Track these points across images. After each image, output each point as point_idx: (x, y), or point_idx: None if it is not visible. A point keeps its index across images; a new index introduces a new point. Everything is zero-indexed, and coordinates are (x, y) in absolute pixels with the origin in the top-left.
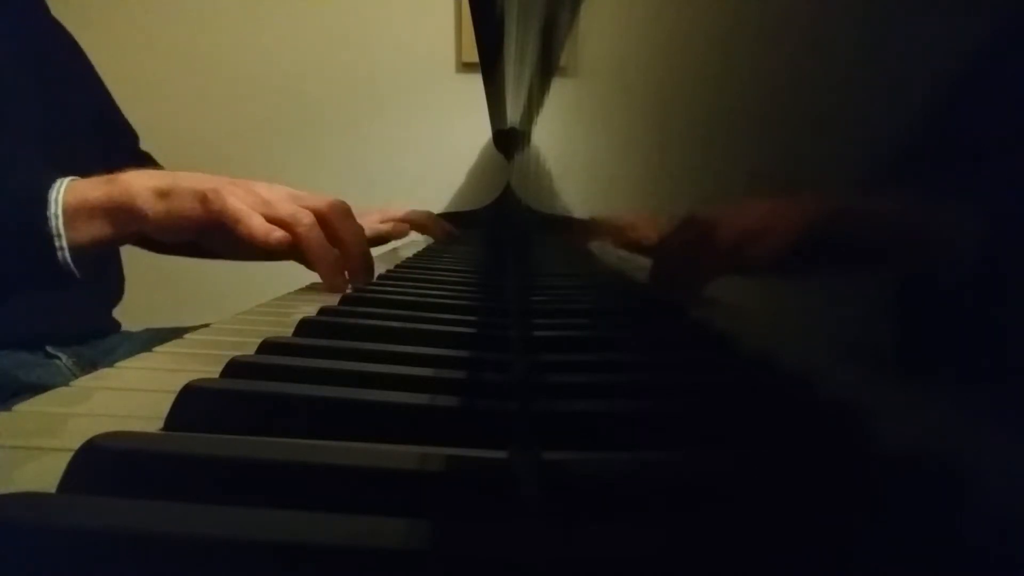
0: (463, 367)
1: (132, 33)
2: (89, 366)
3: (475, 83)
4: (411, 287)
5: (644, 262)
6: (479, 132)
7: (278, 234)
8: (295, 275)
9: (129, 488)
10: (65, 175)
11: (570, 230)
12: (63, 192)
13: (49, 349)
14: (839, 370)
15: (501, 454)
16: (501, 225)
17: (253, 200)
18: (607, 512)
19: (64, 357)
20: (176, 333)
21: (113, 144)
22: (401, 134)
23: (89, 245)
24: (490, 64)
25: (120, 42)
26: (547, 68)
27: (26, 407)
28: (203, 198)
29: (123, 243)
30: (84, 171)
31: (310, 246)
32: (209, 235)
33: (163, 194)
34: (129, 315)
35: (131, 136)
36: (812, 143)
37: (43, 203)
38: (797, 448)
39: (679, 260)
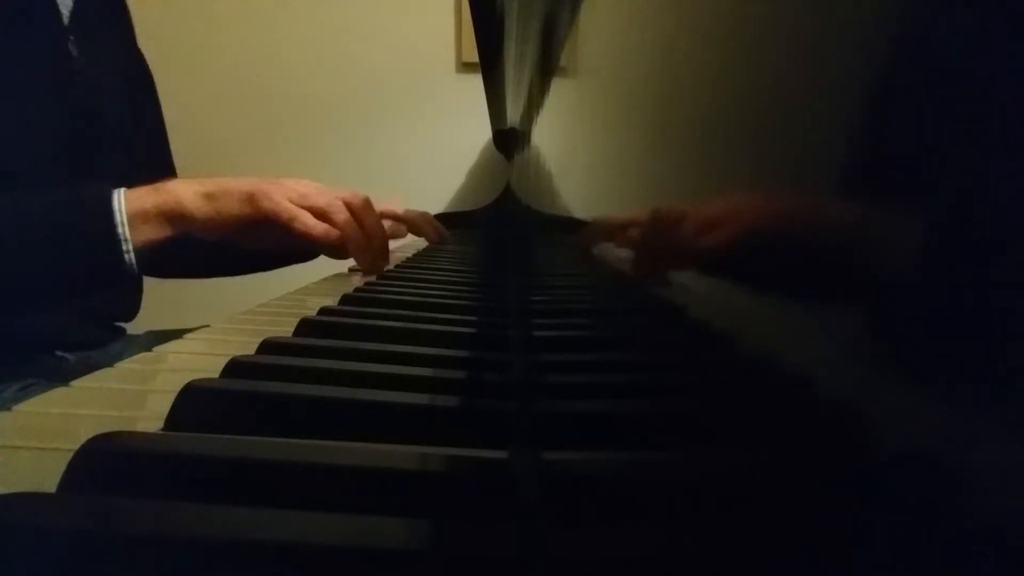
0: (463, 367)
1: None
2: (95, 368)
3: (475, 83)
4: (411, 287)
5: (643, 261)
6: (479, 132)
7: (334, 233)
8: (294, 276)
9: (129, 488)
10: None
11: (570, 230)
12: (122, 200)
13: (58, 353)
14: (839, 370)
15: (501, 454)
16: (501, 225)
17: (293, 196)
18: (607, 512)
19: (72, 359)
20: (178, 335)
21: (152, 176)
22: (401, 134)
23: (146, 246)
24: (490, 64)
25: None
26: (547, 68)
27: (26, 407)
28: (251, 198)
29: (172, 242)
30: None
31: (347, 233)
32: (251, 232)
33: (209, 196)
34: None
35: (172, 173)
36: (812, 142)
37: (110, 210)
38: (797, 448)
39: (678, 259)
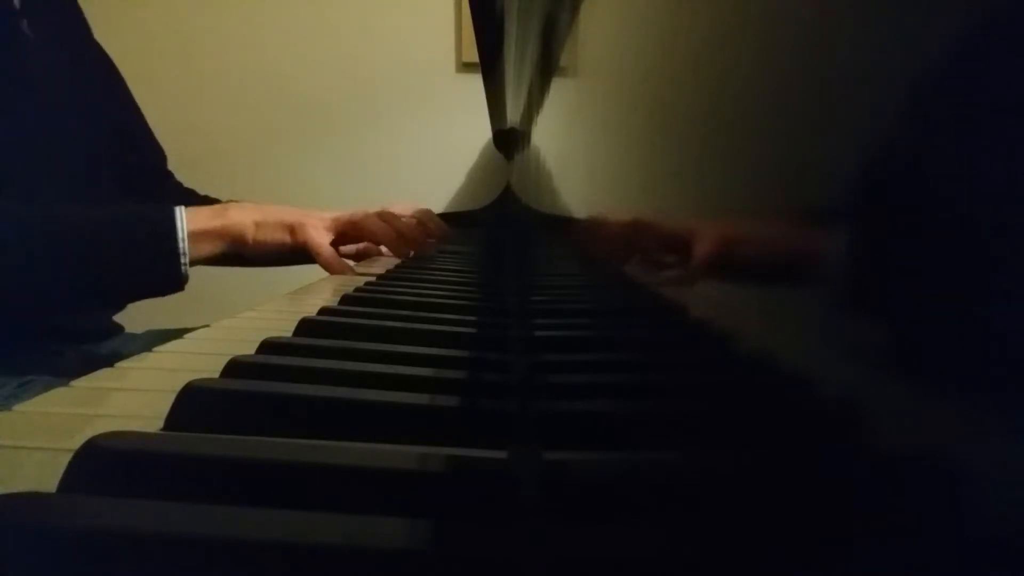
0: (463, 367)
1: (132, 34)
2: (91, 364)
3: (475, 83)
4: (411, 287)
5: (643, 262)
6: (479, 132)
7: (345, 271)
8: (294, 276)
9: (129, 488)
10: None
11: (570, 230)
12: (184, 219)
13: (54, 347)
14: (837, 370)
15: (501, 454)
16: (501, 225)
17: (327, 223)
18: (607, 512)
19: (68, 354)
20: (178, 335)
21: (143, 162)
22: (401, 134)
23: (200, 260)
24: (490, 64)
25: (120, 44)
26: (547, 68)
27: (26, 407)
28: (291, 230)
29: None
30: (117, 185)
31: (373, 230)
32: (288, 254)
33: (259, 224)
34: (131, 317)
35: (160, 155)
36: (811, 143)
37: (173, 227)
38: (796, 448)
39: (678, 260)
